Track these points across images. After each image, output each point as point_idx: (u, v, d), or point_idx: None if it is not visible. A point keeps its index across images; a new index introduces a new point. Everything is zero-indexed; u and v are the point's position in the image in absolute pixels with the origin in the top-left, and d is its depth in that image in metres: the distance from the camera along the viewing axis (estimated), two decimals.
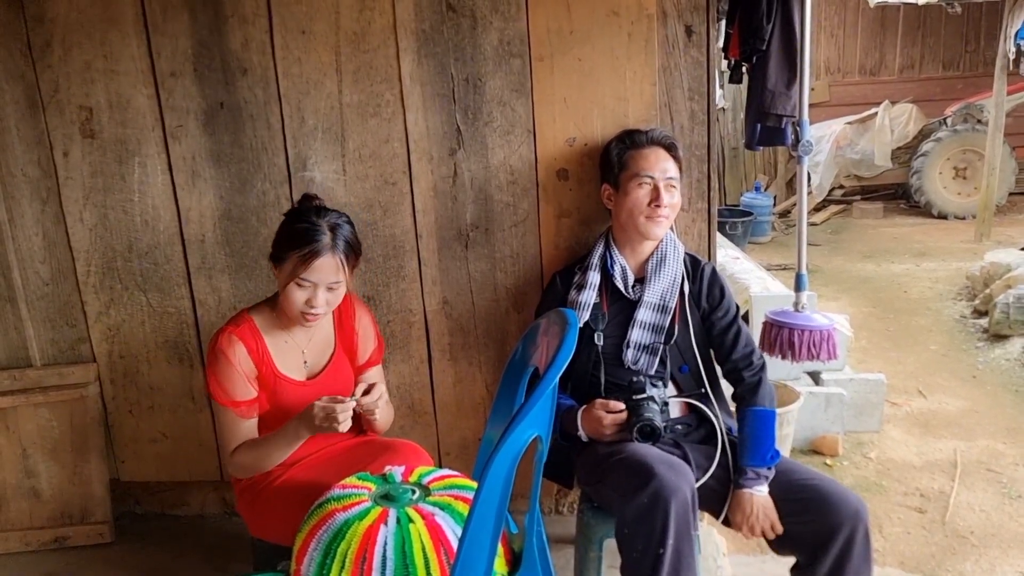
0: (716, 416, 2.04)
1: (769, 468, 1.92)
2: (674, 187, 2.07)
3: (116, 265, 2.51)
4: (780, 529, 1.85)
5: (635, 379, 2.01)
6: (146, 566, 2.53)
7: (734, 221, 7.27)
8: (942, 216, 8.17)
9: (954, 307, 5.34)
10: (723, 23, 3.23)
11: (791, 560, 1.91)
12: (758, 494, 1.88)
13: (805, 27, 2.66)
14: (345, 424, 1.81)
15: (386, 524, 1.54)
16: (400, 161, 2.37)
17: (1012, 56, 6.63)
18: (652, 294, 2.08)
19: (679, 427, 2.07)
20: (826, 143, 8.31)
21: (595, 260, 2.14)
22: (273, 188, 2.41)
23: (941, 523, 2.83)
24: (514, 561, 1.66)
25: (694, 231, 2.39)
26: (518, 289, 2.44)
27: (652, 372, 2.06)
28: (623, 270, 2.11)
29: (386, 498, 1.62)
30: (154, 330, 2.56)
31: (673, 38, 2.27)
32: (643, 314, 2.08)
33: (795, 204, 6.11)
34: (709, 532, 2.50)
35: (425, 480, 1.70)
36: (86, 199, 2.46)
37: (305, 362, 2.04)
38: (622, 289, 2.10)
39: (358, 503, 1.60)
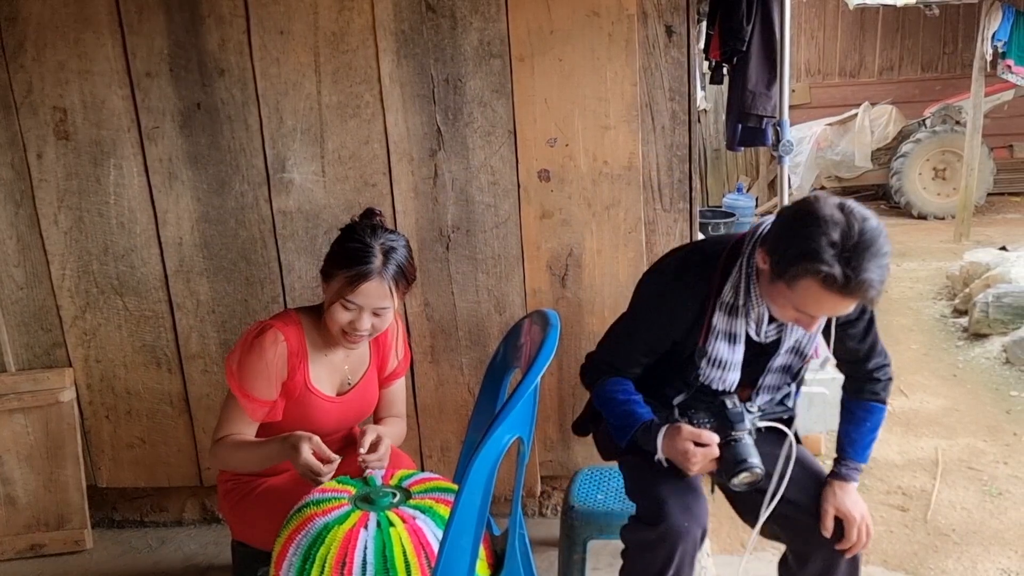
0: (795, 438, 1.77)
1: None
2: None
3: (92, 268, 2.47)
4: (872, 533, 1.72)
5: (730, 406, 1.68)
6: (123, 574, 2.49)
7: (716, 222, 7.29)
8: (922, 216, 8.23)
9: (934, 307, 5.37)
10: (704, 24, 3.25)
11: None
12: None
13: (785, 28, 2.68)
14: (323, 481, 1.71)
15: (366, 528, 1.52)
16: (380, 162, 2.35)
17: (989, 58, 6.69)
18: (791, 338, 1.74)
19: None
20: (807, 144, 8.35)
21: (739, 301, 1.68)
22: (252, 190, 2.39)
23: (923, 521, 2.84)
24: (496, 564, 1.65)
25: (676, 231, 2.39)
26: (500, 291, 2.43)
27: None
28: (760, 316, 1.71)
29: (366, 501, 1.60)
30: (131, 334, 2.52)
31: (654, 38, 2.27)
32: (780, 360, 1.76)
33: (776, 205, 6.13)
34: None
35: (406, 483, 1.68)
36: (61, 201, 2.42)
37: (349, 381, 1.96)
38: (754, 336, 1.73)
39: (338, 507, 1.58)
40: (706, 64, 3.85)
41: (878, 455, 3.38)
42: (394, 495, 1.63)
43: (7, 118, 2.38)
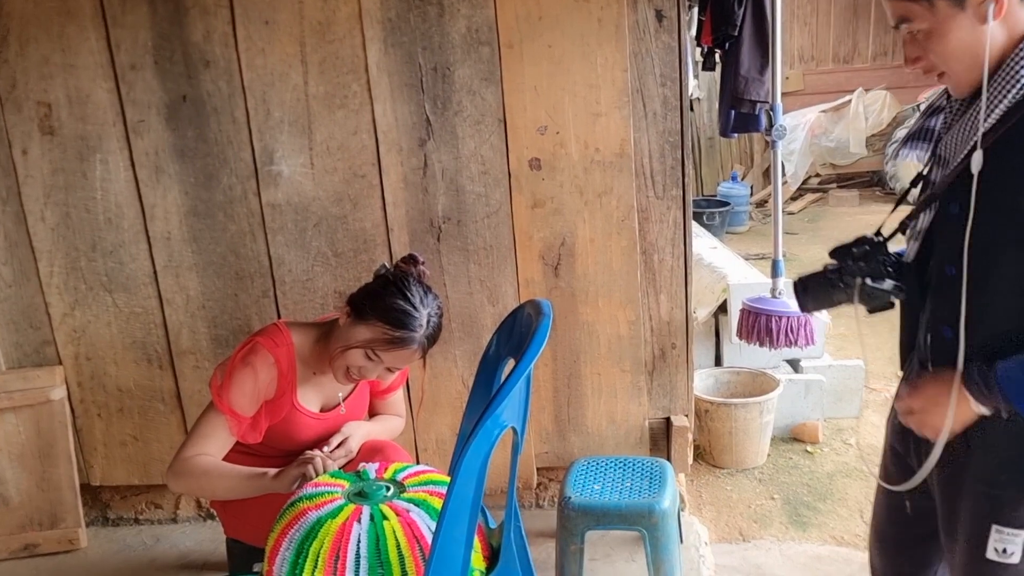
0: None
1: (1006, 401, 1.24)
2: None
3: (80, 265, 2.45)
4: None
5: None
6: (119, 572, 2.47)
7: (711, 211, 7.28)
8: None
9: None
10: (695, 10, 3.23)
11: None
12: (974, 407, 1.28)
13: (776, 12, 2.65)
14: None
15: (359, 522, 1.50)
16: (369, 153, 2.32)
17: None
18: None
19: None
20: (801, 131, 8.33)
21: None
22: (240, 183, 2.36)
23: None
24: (492, 556, 1.63)
25: (669, 219, 2.37)
26: (492, 281, 2.41)
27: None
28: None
29: (360, 495, 1.58)
30: (121, 331, 2.50)
31: (644, 23, 2.25)
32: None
33: (772, 194, 6.09)
34: (691, 522, 2.49)
35: (400, 476, 1.66)
36: (47, 198, 2.39)
37: (338, 400, 1.94)
38: None
39: (331, 501, 1.57)
40: (698, 51, 3.82)
41: (876, 441, 3.37)
42: (388, 488, 1.61)
43: None
